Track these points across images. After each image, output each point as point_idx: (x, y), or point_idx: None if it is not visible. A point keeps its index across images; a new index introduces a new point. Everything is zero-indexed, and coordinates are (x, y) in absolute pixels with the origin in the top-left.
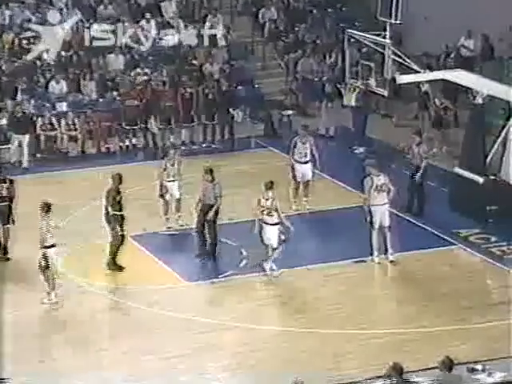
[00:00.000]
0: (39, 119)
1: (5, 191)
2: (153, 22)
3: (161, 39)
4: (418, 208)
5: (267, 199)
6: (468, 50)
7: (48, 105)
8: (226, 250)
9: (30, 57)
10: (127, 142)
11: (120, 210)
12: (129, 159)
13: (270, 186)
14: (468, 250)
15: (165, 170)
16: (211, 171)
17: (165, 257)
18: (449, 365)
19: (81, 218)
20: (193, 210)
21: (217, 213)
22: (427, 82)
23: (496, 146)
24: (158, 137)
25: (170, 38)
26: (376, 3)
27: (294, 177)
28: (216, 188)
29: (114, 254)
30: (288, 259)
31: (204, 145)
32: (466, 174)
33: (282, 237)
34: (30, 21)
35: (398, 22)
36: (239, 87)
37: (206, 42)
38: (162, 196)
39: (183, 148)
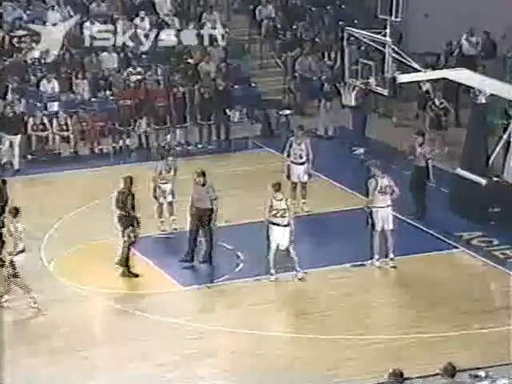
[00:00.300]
0: (30, 119)
1: None
2: (147, 21)
3: (156, 38)
4: (419, 210)
5: (279, 200)
6: (471, 48)
7: (39, 104)
8: (222, 254)
9: (29, 57)
10: (120, 143)
11: (132, 211)
12: (122, 160)
13: (279, 187)
14: (470, 253)
15: (160, 173)
16: (203, 174)
17: (159, 260)
18: (451, 371)
19: (73, 221)
20: (188, 215)
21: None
22: (428, 81)
23: (499, 147)
24: (152, 137)
25: (166, 37)
26: (376, 1)
27: (289, 177)
28: (210, 191)
29: (126, 260)
30: (285, 263)
31: (199, 145)
32: (468, 175)
33: (292, 238)
34: (21, 19)
35: (398, 19)
36: (236, 86)
37: (206, 41)
38: (156, 198)
39: (178, 149)
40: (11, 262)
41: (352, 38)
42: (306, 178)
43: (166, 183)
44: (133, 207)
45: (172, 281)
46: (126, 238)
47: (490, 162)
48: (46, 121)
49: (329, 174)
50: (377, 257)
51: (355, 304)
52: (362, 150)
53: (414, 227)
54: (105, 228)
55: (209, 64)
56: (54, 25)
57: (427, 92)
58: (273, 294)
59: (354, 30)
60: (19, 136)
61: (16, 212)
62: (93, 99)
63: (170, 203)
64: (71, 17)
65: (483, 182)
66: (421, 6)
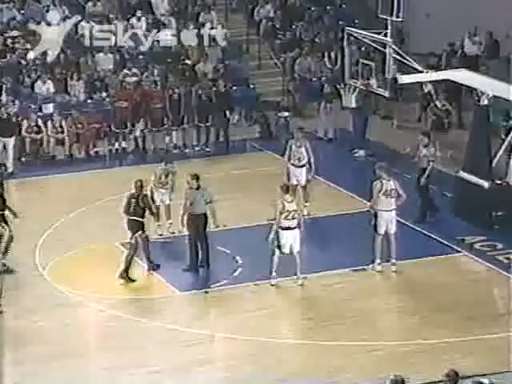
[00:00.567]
0: (25, 121)
1: None
2: (144, 21)
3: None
4: (420, 213)
5: (290, 202)
6: (473, 48)
7: (34, 106)
8: (220, 259)
9: (29, 57)
10: (116, 145)
11: (142, 216)
12: (118, 163)
13: (287, 188)
14: (473, 257)
15: (160, 178)
16: (197, 177)
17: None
18: (454, 378)
19: (68, 225)
20: (179, 221)
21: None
22: (430, 82)
23: (502, 149)
24: (149, 140)
25: (164, 38)
26: (376, 0)
27: (289, 180)
28: (205, 195)
29: (128, 264)
30: (284, 268)
31: (197, 148)
32: (471, 178)
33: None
34: (14, 19)
35: (399, 19)
36: (234, 88)
37: (206, 41)
38: (153, 201)
39: (175, 151)
40: None
41: (352, 39)
42: (304, 182)
43: (165, 187)
44: (144, 211)
45: (169, 286)
46: (132, 242)
47: (493, 164)
48: (40, 123)
49: (329, 176)
50: (378, 261)
51: (356, 309)
52: (362, 153)
53: (415, 231)
54: (101, 232)
55: (206, 65)
56: (53, 25)
57: (429, 93)
58: (272, 299)
59: (354, 30)
60: (13, 138)
61: None
62: (88, 101)
63: (168, 207)
64: (67, 17)
65: (486, 185)
66: (422, 6)
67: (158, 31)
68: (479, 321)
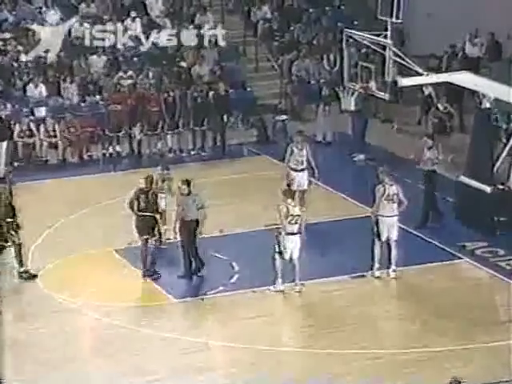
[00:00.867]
0: (17, 125)
1: None
2: (138, 22)
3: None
4: (422, 219)
5: (294, 206)
6: (475, 49)
7: (26, 110)
8: (217, 265)
9: (29, 57)
10: (111, 150)
11: (153, 212)
12: (112, 168)
13: (291, 193)
14: (474, 264)
15: (156, 183)
16: (188, 183)
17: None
18: None
19: (61, 230)
20: (172, 228)
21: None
22: (431, 84)
23: (504, 153)
24: (144, 144)
25: (163, 38)
26: (376, 1)
27: (289, 185)
28: (196, 200)
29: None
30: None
31: (193, 152)
32: (473, 182)
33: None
34: (6, 20)
35: (399, 20)
36: (230, 90)
37: (206, 41)
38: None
39: (170, 156)
40: None
41: (351, 40)
42: (306, 186)
43: (161, 192)
44: (156, 207)
45: (164, 293)
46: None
47: (495, 169)
48: (32, 127)
49: (328, 181)
50: (377, 266)
51: (356, 316)
52: (362, 157)
53: (416, 236)
54: (94, 238)
55: (202, 67)
56: (53, 25)
57: (430, 96)
58: (270, 307)
59: (353, 31)
60: (5, 142)
61: None
62: (82, 104)
63: (163, 212)
64: (62, 19)
65: (488, 189)
66: (423, 7)
67: (159, 32)
68: (481, 328)
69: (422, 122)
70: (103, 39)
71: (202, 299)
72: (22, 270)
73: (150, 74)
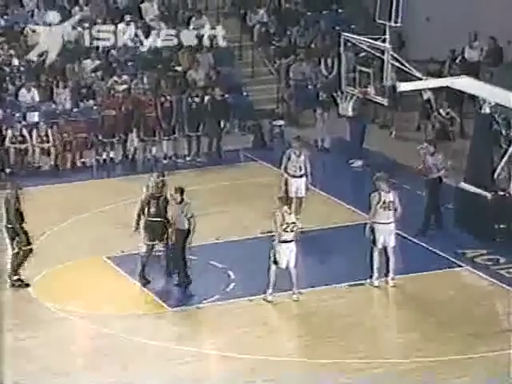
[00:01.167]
0: (8, 131)
1: None
2: (133, 25)
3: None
4: (423, 226)
5: (290, 214)
6: (474, 54)
7: (18, 115)
8: (213, 273)
9: (29, 57)
10: (104, 156)
11: (165, 217)
12: (106, 174)
13: (287, 200)
14: (475, 272)
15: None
16: (181, 191)
17: None
18: None
19: (53, 238)
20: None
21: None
22: (430, 89)
23: (505, 159)
24: (139, 150)
25: (160, 37)
26: (374, 4)
27: (287, 192)
28: (185, 210)
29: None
30: (279, 282)
31: (188, 158)
32: (473, 189)
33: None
34: None
35: (398, 24)
36: (226, 95)
37: (206, 42)
38: (143, 213)
39: (165, 162)
40: None
41: (349, 44)
42: (304, 192)
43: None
44: (166, 213)
45: (159, 301)
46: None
47: (496, 175)
48: (25, 132)
49: (325, 187)
50: (376, 275)
51: (354, 326)
52: (360, 163)
53: (415, 244)
54: (87, 245)
55: (198, 71)
56: (53, 25)
57: (429, 101)
58: (267, 316)
59: (351, 35)
60: None
61: None
62: (75, 109)
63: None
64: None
65: (489, 196)
66: (422, 11)
67: (168, 27)
68: (482, 337)
69: (421, 127)
70: (99, 39)
71: (198, 308)
72: (15, 278)
73: (145, 79)
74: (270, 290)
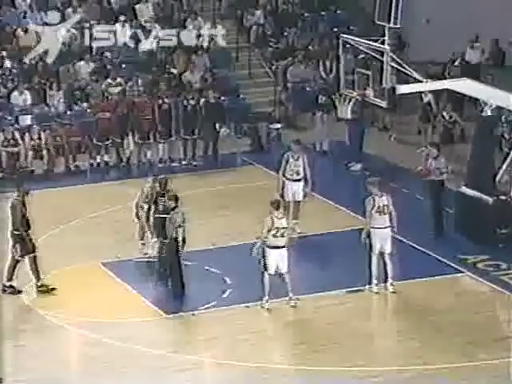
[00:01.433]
0: (0, 134)
1: None
2: (128, 27)
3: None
4: (437, 230)
5: (281, 218)
6: (475, 56)
7: (10, 118)
8: (209, 279)
9: (28, 58)
10: (98, 159)
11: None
12: (100, 178)
13: (279, 204)
14: (476, 277)
15: (147, 197)
16: (176, 198)
17: (140, 286)
18: None
19: (46, 244)
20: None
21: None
22: (430, 92)
23: (506, 163)
24: (134, 153)
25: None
26: (373, 5)
27: (283, 196)
28: (172, 219)
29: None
30: (276, 289)
31: (184, 162)
32: (474, 193)
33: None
34: None
35: (397, 25)
36: (223, 98)
37: (206, 41)
38: (138, 217)
39: (160, 165)
40: None
41: (348, 46)
42: (301, 197)
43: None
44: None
45: (154, 308)
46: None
47: (497, 179)
48: (17, 135)
49: (323, 191)
50: (375, 281)
51: (353, 333)
52: (358, 166)
53: (415, 249)
54: (81, 251)
55: (193, 74)
56: (53, 25)
57: (429, 104)
58: (264, 323)
59: (350, 37)
60: None
61: None
62: (68, 112)
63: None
64: (46, 23)
65: (490, 200)
66: (422, 12)
67: (163, 28)
68: (483, 345)
69: (422, 130)
70: (98, 39)
71: (194, 315)
72: (7, 284)
73: (140, 81)
74: (266, 297)
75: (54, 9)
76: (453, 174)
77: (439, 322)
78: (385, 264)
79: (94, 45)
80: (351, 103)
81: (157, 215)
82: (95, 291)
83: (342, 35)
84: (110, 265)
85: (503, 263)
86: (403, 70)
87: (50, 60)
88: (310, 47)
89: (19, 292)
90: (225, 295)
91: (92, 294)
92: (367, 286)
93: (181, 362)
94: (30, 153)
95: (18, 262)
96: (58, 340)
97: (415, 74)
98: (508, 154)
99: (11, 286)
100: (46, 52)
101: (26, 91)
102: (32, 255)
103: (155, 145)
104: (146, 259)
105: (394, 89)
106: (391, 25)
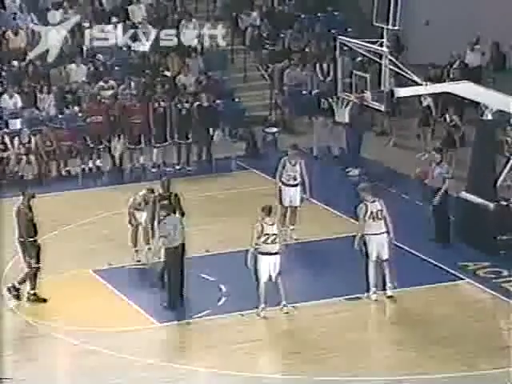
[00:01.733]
0: None
1: None
2: (120, 28)
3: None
4: (440, 234)
5: (271, 225)
6: (476, 59)
7: (0, 122)
8: (203, 287)
9: (28, 58)
10: (90, 164)
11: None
12: (92, 183)
13: (270, 210)
14: (476, 285)
15: (139, 204)
16: (167, 207)
17: (133, 294)
18: None
19: None
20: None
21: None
22: (429, 95)
23: (508, 168)
24: (126, 158)
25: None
26: (371, 7)
27: (281, 201)
28: (160, 227)
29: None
30: (272, 297)
31: (178, 167)
32: (474, 199)
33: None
34: None
35: (396, 27)
36: (217, 101)
37: (207, 41)
38: (131, 224)
39: (154, 170)
40: None
41: (345, 48)
42: (298, 202)
43: (142, 210)
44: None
45: (147, 316)
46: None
47: (498, 184)
48: (7, 140)
49: (321, 197)
50: (373, 289)
51: (351, 342)
52: (357, 172)
53: (414, 256)
54: (72, 258)
55: (188, 77)
56: (53, 25)
57: (429, 108)
58: (259, 331)
59: (347, 39)
60: None
61: None
62: (59, 116)
63: (146, 230)
64: (36, 24)
65: (491, 206)
66: (421, 13)
67: (162, 29)
68: (484, 354)
69: (421, 135)
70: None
71: (188, 323)
72: (32, 292)
73: (132, 84)
74: (261, 305)
75: (43, 10)
76: (453, 178)
77: (439, 330)
78: (382, 271)
79: (86, 47)
80: (349, 107)
81: (161, 217)
82: (86, 299)
83: (339, 37)
84: (102, 272)
85: (504, 270)
86: (402, 72)
87: (50, 59)
88: (306, 49)
89: (44, 300)
90: (219, 303)
91: (82, 302)
92: (366, 294)
93: (174, 372)
94: (20, 157)
95: (37, 270)
96: (47, 350)
97: (414, 77)
98: (509, 158)
99: (34, 294)
100: (46, 52)
101: (16, 94)
102: (36, 266)
103: (149, 149)
104: (139, 266)
105: (392, 92)
106: (390, 26)
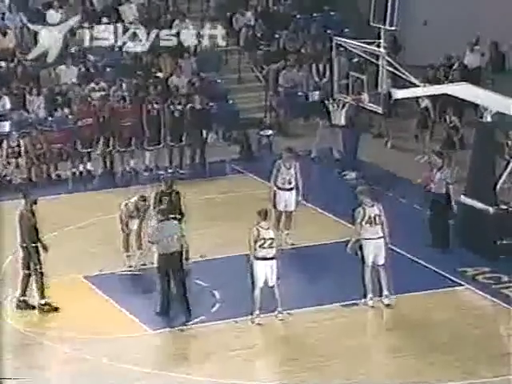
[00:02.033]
0: None
1: None
2: (112, 29)
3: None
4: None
5: (267, 229)
6: (475, 60)
7: None
8: (197, 293)
9: (29, 58)
10: (81, 168)
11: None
12: (82, 187)
13: (266, 214)
14: (476, 291)
15: (132, 211)
16: (163, 212)
17: (125, 301)
18: None
19: None
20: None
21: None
22: (427, 97)
23: (508, 171)
24: (117, 161)
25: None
26: (368, 6)
27: (275, 205)
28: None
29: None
30: (266, 303)
31: (170, 170)
32: (474, 203)
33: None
34: None
35: (393, 28)
36: (211, 103)
37: (207, 41)
38: (123, 230)
39: (146, 174)
40: None
41: (342, 49)
42: (293, 207)
43: (135, 218)
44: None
45: (140, 324)
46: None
47: (498, 187)
48: None
49: (316, 201)
50: (370, 295)
51: (348, 349)
52: (353, 175)
53: (412, 261)
54: (63, 264)
55: (180, 78)
56: (53, 25)
57: (427, 109)
58: (255, 338)
59: (344, 39)
60: None
61: None
62: (49, 118)
63: (138, 235)
64: (24, 25)
65: (490, 210)
66: (419, 14)
67: (155, 29)
68: (484, 361)
69: (419, 137)
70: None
71: (182, 330)
72: (42, 302)
73: (124, 86)
74: (256, 312)
75: (33, 10)
76: (456, 183)
77: (438, 337)
78: (379, 277)
79: (76, 48)
80: (345, 108)
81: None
82: (77, 306)
83: (335, 37)
84: (93, 278)
85: (504, 276)
86: (399, 73)
87: (50, 59)
88: (302, 50)
89: (56, 309)
90: (213, 310)
91: (73, 309)
92: (362, 300)
93: (169, 379)
94: (9, 161)
95: (42, 275)
96: (38, 358)
97: (412, 79)
98: (509, 161)
99: (46, 304)
100: (46, 52)
101: (5, 96)
102: (40, 271)
103: (142, 152)
104: (131, 272)
105: (389, 94)
106: (387, 27)
